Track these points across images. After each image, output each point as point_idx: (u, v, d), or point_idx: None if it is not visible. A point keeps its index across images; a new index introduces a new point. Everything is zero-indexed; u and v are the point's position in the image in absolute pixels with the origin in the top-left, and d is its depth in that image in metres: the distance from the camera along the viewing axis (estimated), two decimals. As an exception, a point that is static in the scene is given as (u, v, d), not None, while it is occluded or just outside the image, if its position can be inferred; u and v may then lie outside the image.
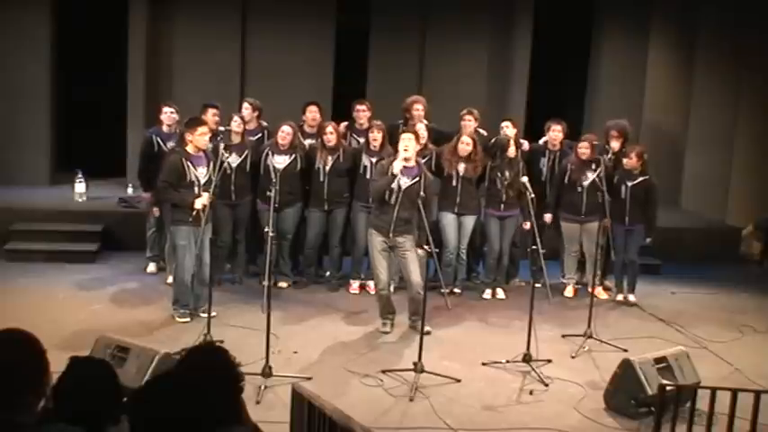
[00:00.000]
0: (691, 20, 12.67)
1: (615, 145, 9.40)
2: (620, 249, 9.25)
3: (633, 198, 9.11)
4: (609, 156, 9.37)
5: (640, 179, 9.12)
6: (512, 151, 9.06)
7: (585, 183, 9.16)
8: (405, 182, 7.76)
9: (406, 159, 7.75)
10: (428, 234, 7.34)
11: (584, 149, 9.17)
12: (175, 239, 8.04)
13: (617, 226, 9.19)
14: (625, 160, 9.15)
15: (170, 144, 9.08)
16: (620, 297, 9.49)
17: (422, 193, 7.69)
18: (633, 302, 9.35)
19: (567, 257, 9.58)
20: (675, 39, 12.97)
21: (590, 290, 8.52)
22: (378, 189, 7.88)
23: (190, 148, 7.93)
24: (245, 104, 9.46)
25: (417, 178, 7.79)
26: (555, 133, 9.55)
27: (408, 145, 7.78)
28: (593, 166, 9.17)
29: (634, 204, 9.12)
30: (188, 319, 8.03)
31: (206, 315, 7.47)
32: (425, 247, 7.29)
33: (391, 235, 7.80)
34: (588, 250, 9.25)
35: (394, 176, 7.71)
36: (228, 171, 8.70)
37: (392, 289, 8.32)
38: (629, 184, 9.13)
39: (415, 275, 7.73)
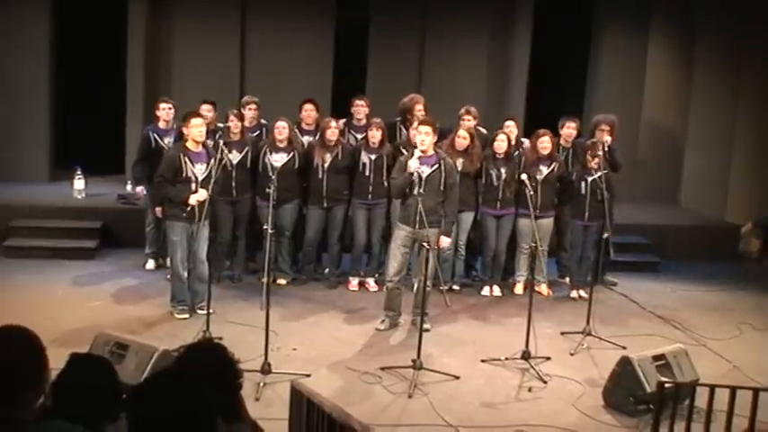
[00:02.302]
0: (691, 19, 12.66)
1: (608, 139, 9.36)
2: (578, 245, 9.23)
3: (593, 194, 8.91)
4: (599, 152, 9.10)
5: (599, 174, 8.92)
6: (497, 145, 9.01)
7: (540, 177, 9.07)
8: (425, 171, 7.73)
9: (423, 152, 7.74)
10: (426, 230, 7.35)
11: (546, 144, 9.10)
12: (169, 235, 8.07)
13: (575, 222, 9.20)
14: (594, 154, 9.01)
15: (167, 140, 9.08)
16: (573, 294, 9.38)
17: (442, 186, 7.71)
18: (586, 298, 8.96)
19: (519, 254, 9.39)
20: (675, 37, 12.96)
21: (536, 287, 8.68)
22: (398, 187, 7.85)
23: (190, 144, 7.94)
24: (252, 105, 9.47)
25: (437, 165, 7.78)
26: (569, 130, 9.51)
27: (425, 139, 7.76)
28: (549, 162, 9.15)
29: (594, 200, 8.90)
30: (186, 316, 8.04)
31: (204, 312, 7.48)
32: (424, 243, 7.29)
33: (417, 226, 7.71)
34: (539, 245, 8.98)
35: (411, 174, 7.67)
36: (229, 168, 8.72)
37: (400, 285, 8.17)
38: (589, 179, 9.00)
39: (427, 269, 7.61)
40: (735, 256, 11.58)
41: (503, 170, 9.05)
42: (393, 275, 7.98)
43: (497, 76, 12.59)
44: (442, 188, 7.78)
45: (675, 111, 13.02)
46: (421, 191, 7.56)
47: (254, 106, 9.50)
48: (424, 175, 7.69)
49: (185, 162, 7.85)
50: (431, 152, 7.82)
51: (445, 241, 7.86)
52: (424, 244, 7.27)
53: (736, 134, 12.23)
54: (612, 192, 8.99)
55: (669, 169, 12.97)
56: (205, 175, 7.87)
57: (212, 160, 7.95)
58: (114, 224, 10.45)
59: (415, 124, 8.20)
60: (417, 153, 7.71)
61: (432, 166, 7.77)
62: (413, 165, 7.65)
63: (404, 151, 8.33)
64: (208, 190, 7.72)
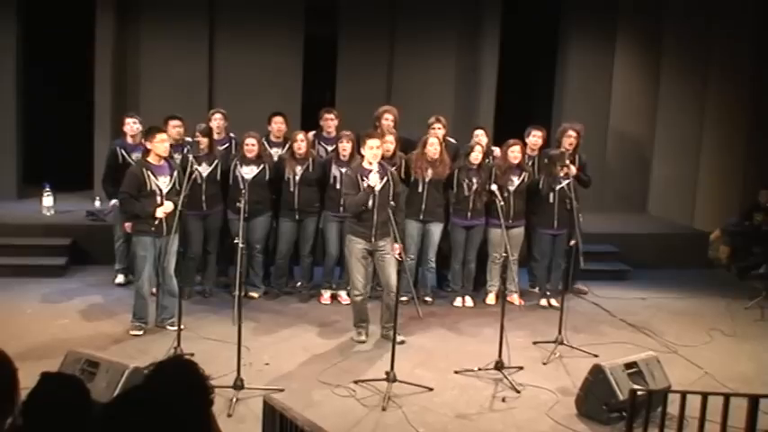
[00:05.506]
0: (657, 27, 12.79)
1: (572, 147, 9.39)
2: (546, 254, 9.33)
3: (562, 202, 8.94)
4: (567, 161, 9.18)
5: (565, 182, 9.01)
6: (474, 157, 9.05)
7: (512, 188, 9.12)
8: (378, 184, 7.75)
9: (370, 164, 7.80)
10: (396, 240, 7.37)
11: (516, 153, 9.13)
12: (137, 250, 8.01)
13: (542, 231, 9.26)
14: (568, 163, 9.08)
15: (135, 155, 8.99)
16: (543, 302, 9.46)
17: (391, 196, 7.73)
18: (556, 306, 8.94)
19: (490, 265, 9.41)
20: (642, 45, 13.08)
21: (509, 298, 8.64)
22: (357, 204, 7.78)
23: (151, 158, 7.91)
24: (218, 115, 9.45)
25: (386, 177, 7.81)
26: (535, 138, 9.53)
27: (377, 153, 7.83)
28: (519, 172, 9.19)
29: (562, 209, 8.93)
30: (140, 333, 7.95)
31: (174, 328, 7.42)
32: (396, 255, 7.30)
33: (373, 239, 7.78)
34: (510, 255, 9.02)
35: (372, 189, 7.67)
36: (199, 181, 8.68)
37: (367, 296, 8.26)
38: (557, 188, 9.08)
39: (393, 279, 7.63)
40: (704, 263, 11.68)
41: (474, 180, 9.06)
42: (362, 288, 7.99)
43: (466, 87, 12.64)
44: (390, 199, 7.79)
45: (643, 119, 13.13)
46: (369, 204, 7.65)
47: (219, 116, 9.45)
48: (377, 189, 7.73)
49: (148, 176, 7.82)
50: (375, 164, 7.88)
51: (397, 248, 7.75)
52: (396, 256, 7.29)
53: (703, 142, 12.37)
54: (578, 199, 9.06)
55: (637, 177, 13.09)
56: (170, 187, 7.86)
57: (175, 172, 7.94)
58: (83, 241, 10.35)
59: (365, 140, 8.02)
60: (376, 168, 7.77)
61: (382, 178, 7.80)
62: (373, 179, 7.68)
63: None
64: (174, 202, 7.70)
